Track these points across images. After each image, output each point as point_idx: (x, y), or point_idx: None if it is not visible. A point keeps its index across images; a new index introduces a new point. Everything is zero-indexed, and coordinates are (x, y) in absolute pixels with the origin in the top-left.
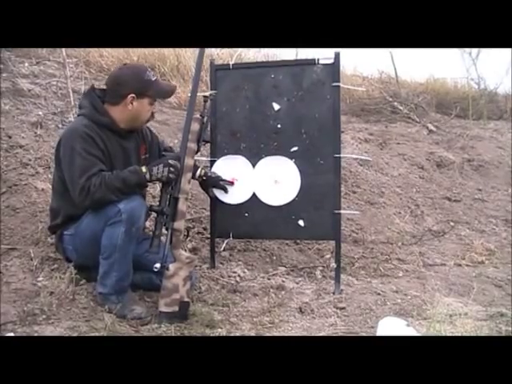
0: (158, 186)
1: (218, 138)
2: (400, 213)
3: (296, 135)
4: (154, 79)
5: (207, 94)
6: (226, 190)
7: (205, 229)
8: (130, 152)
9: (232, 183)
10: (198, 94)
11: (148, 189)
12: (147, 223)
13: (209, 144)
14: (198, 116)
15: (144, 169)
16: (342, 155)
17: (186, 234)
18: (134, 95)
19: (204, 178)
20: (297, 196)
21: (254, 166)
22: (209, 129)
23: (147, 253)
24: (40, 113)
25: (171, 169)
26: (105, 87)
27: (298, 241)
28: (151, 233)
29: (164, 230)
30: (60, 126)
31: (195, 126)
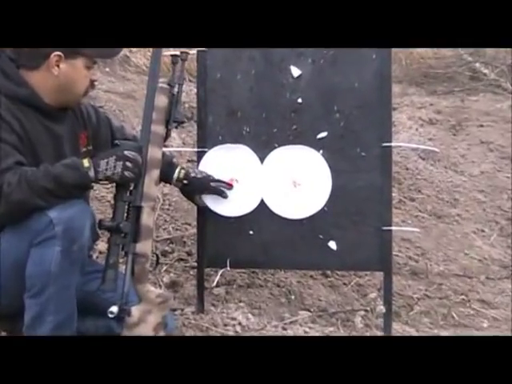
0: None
1: (209, 119)
2: (483, 231)
3: (325, 114)
4: None
5: (177, 52)
6: (222, 196)
7: (189, 254)
8: (63, 140)
9: (230, 186)
10: (165, 53)
11: (99, 192)
12: (99, 245)
13: (195, 129)
14: (164, 85)
15: (86, 162)
16: (393, 144)
17: (155, 260)
18: (60, 54)
19: (185, 181)
20: (326, 205)
21: (262, 160)
22: (182, 104)
23: (100, 291)
24: None
25: (128, 163)
26: None
27: (329, 272)
28: (104, 261)
29: (123, 256)
30: None
31: (161, 100)
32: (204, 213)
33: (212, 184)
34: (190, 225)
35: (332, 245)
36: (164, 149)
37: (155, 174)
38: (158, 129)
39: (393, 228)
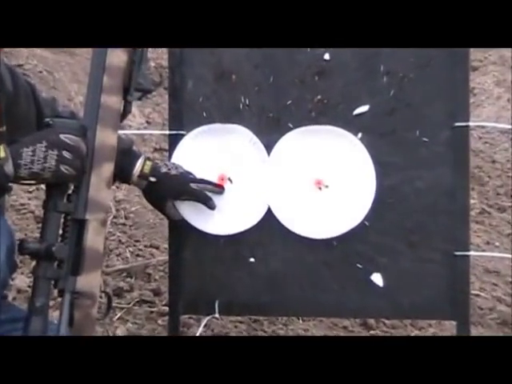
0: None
1: (187, 86)
2: None
3: (366, 78)
4: None
5: None
6: (207, 204)
7: (156, 293)
8: None
9: (220, 188)
10: None
11: (17, 198)
12: (18, 280)
13: (166, 101)
14: None
15: (1, 152)
16: (472, 123)
17: (106, 302)
18: None
19: (152, 179)
20: (367, 218)
21: (269, 148)
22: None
23: None
24: None
25: (65, 154)
26: None
27: (372, 321)
28: (27, 304)
29: (57, 296)
30: None
31: (117, 57)
32: (180, 230)
33: (192, 185)
34: (157, 248)
35: (376, 278)
36: (119, 131)
37: (107, 169)
38: (112, 101)
39: (471, 253)
